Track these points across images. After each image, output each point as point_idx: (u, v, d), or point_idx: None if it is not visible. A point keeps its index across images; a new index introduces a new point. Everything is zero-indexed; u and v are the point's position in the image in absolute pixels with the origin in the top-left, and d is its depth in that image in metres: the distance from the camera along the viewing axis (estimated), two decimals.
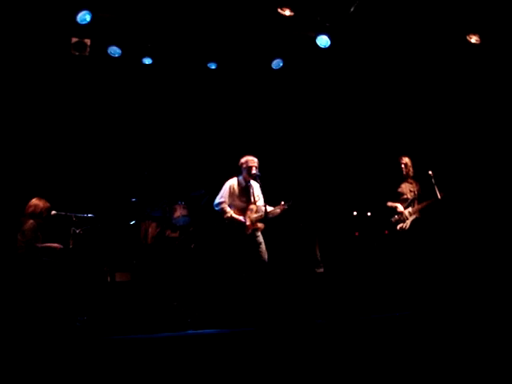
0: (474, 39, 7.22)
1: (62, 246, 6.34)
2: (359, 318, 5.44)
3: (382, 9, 7.10)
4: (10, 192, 7.21)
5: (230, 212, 6.28)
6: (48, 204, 6.42)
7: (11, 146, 7.46)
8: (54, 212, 6.44)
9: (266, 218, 6.12)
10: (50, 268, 6.15)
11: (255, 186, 6.47)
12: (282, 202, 6.26)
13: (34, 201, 6.38)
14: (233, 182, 6.44)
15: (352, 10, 7.02)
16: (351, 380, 3.85)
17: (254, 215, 6.31)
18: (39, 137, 7.69)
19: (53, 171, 7.64)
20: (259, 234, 6.33)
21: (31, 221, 6.26)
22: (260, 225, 6.31)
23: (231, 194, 6.37)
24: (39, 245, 6.26)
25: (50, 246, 6.32)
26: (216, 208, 6.39)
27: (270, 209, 6.16)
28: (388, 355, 4.26)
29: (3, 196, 7.19)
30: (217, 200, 6.40)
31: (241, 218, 6.25)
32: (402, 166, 6.81)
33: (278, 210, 6.27)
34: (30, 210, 6.32)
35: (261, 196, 6.35)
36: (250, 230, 6.26)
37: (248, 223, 6.26)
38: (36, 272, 6.07)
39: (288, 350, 4.26)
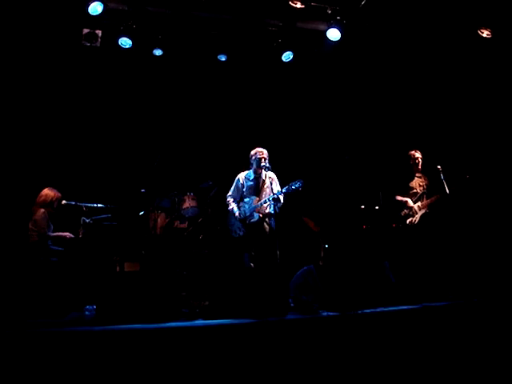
0: (485, 33, 7.20)
1: (72, 236, 6.40)
2: (361, 311, 5.43)
3: (393, 2, 7.10)
4: (21, 182, 7.30)
5: (232, 205, 6.53)
6: (59, 194, 6.48)
7: (23, 138, 7.53)
8: (64, 202, 6.52)
9: (274, 205, 6.15)
10: (59, 257, 6.22)
11: (271, 176, 6.51)
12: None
13: (46, 190, 6.44)
14: (241, 175, 6.62)
15: (363, 3, 7.01)
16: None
17: (254, 205, 6.39)
18: (50, 128, 7.75)
19: (63, 162, 7.72)
20: (266, 225, 6.36)
21: (42, 210, 6.31)
22: (262, 212, 6.35)
23: (238, 187, 6.58)
24: (50, 234, 6.34)
25: (60, 236, 6.39)
26: (226, 201, 6.64)
27: (279, 196, 6.16)
28: (383, 351, 4.32)
29: (15, 186, 7.27)
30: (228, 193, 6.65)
31: (237, 211, 6.41)
32: (414, 160, 6.82)
33: (282, 197, 6.21)
34: (42, 199, 6.38)
35: (276, 185, 6.44)
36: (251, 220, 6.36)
37: (248, 214, 6.38)
38: (46, 261, 6.13)
39: (299, 341, 4.31)
